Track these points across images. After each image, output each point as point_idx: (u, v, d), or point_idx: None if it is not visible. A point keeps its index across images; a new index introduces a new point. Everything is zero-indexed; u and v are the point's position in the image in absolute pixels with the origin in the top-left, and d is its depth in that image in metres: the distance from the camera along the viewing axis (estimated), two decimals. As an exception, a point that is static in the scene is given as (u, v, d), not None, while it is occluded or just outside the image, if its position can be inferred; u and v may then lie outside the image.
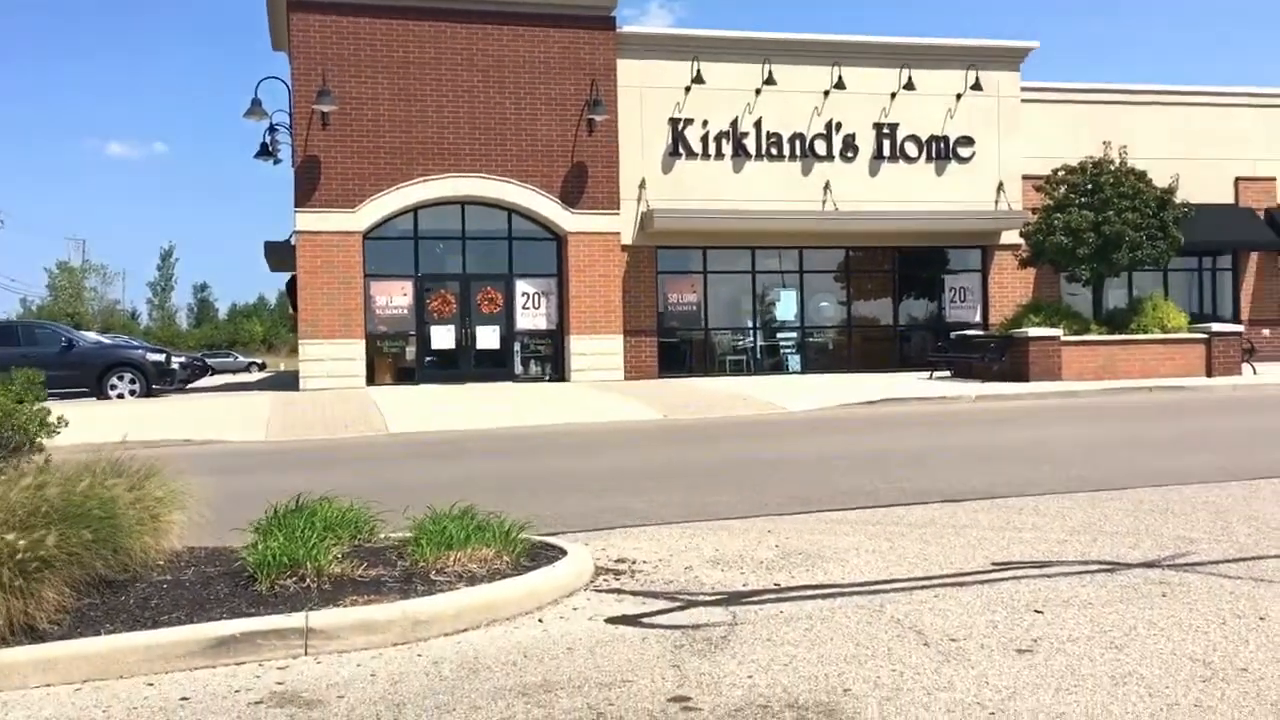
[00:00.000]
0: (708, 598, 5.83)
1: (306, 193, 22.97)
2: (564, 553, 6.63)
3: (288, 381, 26.06)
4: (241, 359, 74.46)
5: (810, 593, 5.88)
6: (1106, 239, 21.72)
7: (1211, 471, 9.89)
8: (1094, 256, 21.97)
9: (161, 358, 23.58)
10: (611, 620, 5.44)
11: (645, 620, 5.44)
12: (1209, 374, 22.06)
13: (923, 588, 5.90)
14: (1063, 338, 21.60)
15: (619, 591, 6.06)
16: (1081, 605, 5.42)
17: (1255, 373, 22.68)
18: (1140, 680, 4.29)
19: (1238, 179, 28.04)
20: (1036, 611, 5.32)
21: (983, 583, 5.98)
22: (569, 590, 6.02)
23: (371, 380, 23.56)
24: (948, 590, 5.82)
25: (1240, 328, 24.22)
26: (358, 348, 23.17)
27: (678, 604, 5.73)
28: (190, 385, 31.40)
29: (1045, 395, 19.61)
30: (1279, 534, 7.03)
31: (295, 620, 5.10)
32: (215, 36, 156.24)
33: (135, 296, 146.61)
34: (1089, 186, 22.59)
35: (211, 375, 62.14)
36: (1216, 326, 23.06)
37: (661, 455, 12.67)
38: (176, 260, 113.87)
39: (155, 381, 22.72)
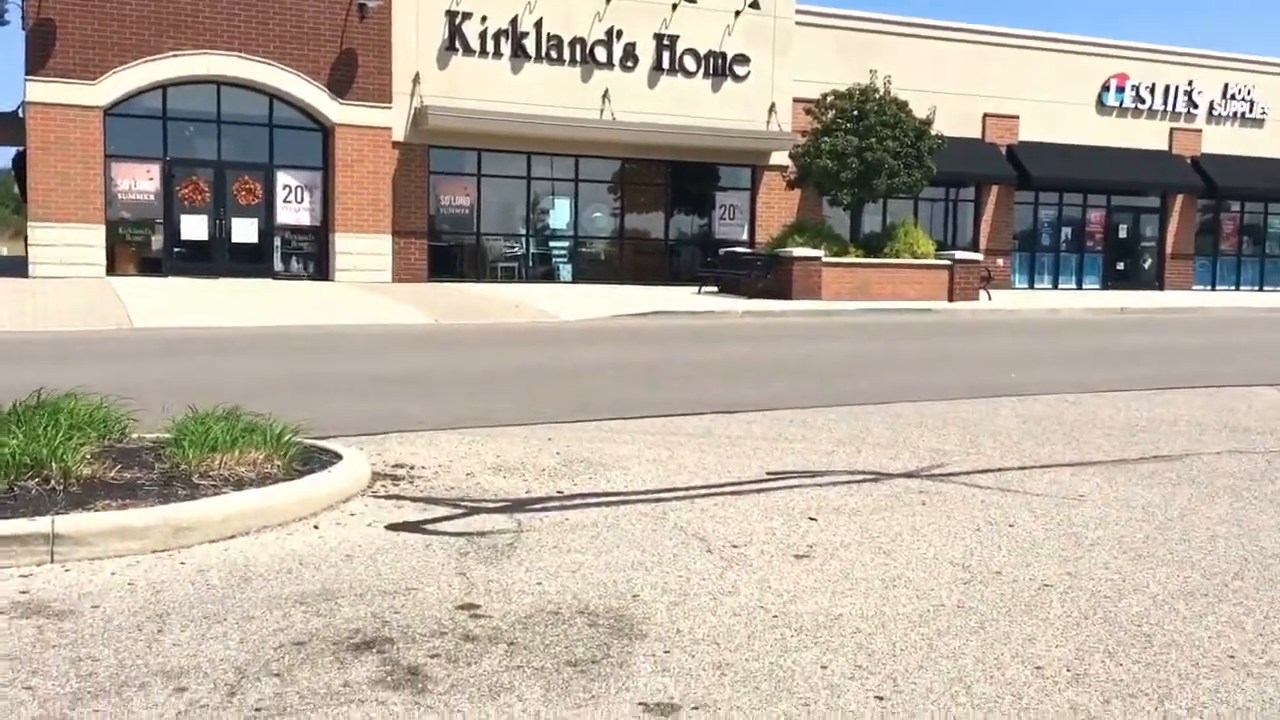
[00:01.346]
0: (491, 505, 5.74)
1: (39, 60, 20.71)
2: (339, 457, 6.35)
3: (15, 266, 23.75)
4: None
5: (595, 500, 5.88)
6: (868, 165, 22.70)
7: (958, 389, 10.60)
8: (856, 181, 22.94)
9: None
10: (392, 527, 5.26)
11: (428, 527, 5.29)
12: (951, 299, 23.65)
13: (703, 496, 6.02)
14: (824, 259, 22.56)
15: (399, 498, 5.87)
16: (851, 513, 5.68)
17: (990, 299, 24.50)
18: (908, 583, 4.54)
19: (985, 115, 29.85)
20: (811, 519, 5.53)
21: (760, 491, 6.17)
22: (345, 496, 5.77)
23: (113, 270, 21.79)
24: (727, 499, 5.96)
25: (980, 256, 26.05)
26: (97, 234, 21.33)
27: (461, 511, 5.61)
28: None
29: (807, 313, 20.47)
30: (1019, 448, 7.61)
31: (39, 524, 4.64)
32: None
33: None
34: (855, 113, 23.46)
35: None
36: (959, 254, 24.71)
37: (433, 360, 12.38)
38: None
39: None
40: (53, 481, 5.12)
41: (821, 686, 3.48)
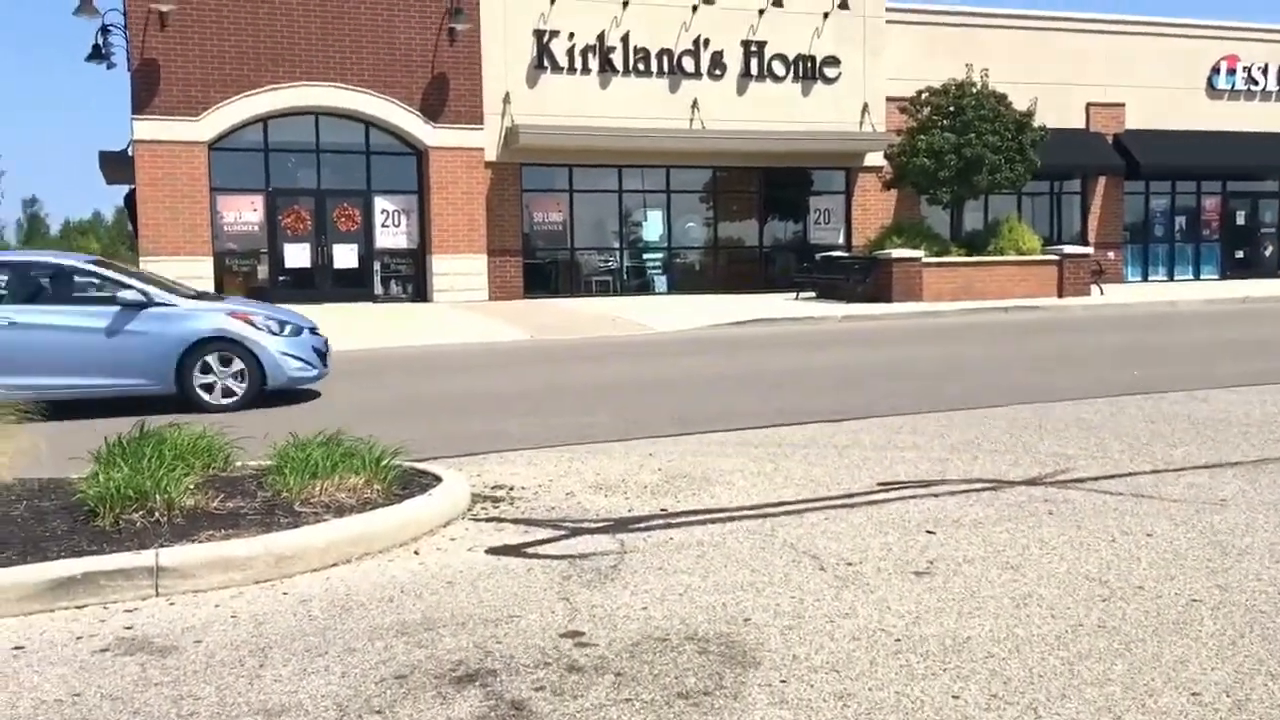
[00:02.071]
0: (593, 525, 5.58)
1: (145, 99, 21.39)
2: (439, 479, 6.27)
3: (129, 302, 24.59)
4: (78, 279, 70.34)
5: (699, 518, 5.68)
6: (968, 161, 22.07)
7: (1076, 389, 10.11)
8: (955, 179, 22.32)
9: None
10: (493, 551, 5.13)
11: (529, 550, 5.15)
12: (1060, 295, 22.83)
13: (813, 510, 5.77)
14: (924, 259, 21.99)
15: (499, 520, 5.75)
16: (972, 525, 5.37)
17: (1103, 293, 23.59)
18: (1041, 601, 4.22)
19: (1089, 104, 28.83)
20: (929, 532, 5.24)
21: (872, 503, 5.89)
22: (446, 519, 5.68)
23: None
24: (838, 512, 5.70)
25: (1090, 250, 25.11)
26: (205, 265, 21.90)
27: (562, 532, 5.46)
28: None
29: (909, 315, 19.94)
30: (1150, 450, 7.17)
31: (144, 558, 4.63)
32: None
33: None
34: (951, 109, 22.85)
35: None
36: (1068, 249, 23.85)
37: (531, 376, 12.32)
38: (2, 173, 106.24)
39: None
40: (157, 513, 5.12)
41: (955, 719, 3.22)
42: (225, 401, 10.17)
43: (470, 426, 8.88)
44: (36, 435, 6.04)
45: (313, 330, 10.98)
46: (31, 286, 10.50)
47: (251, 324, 10.47)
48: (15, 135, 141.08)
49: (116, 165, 25.85)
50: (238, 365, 10.25)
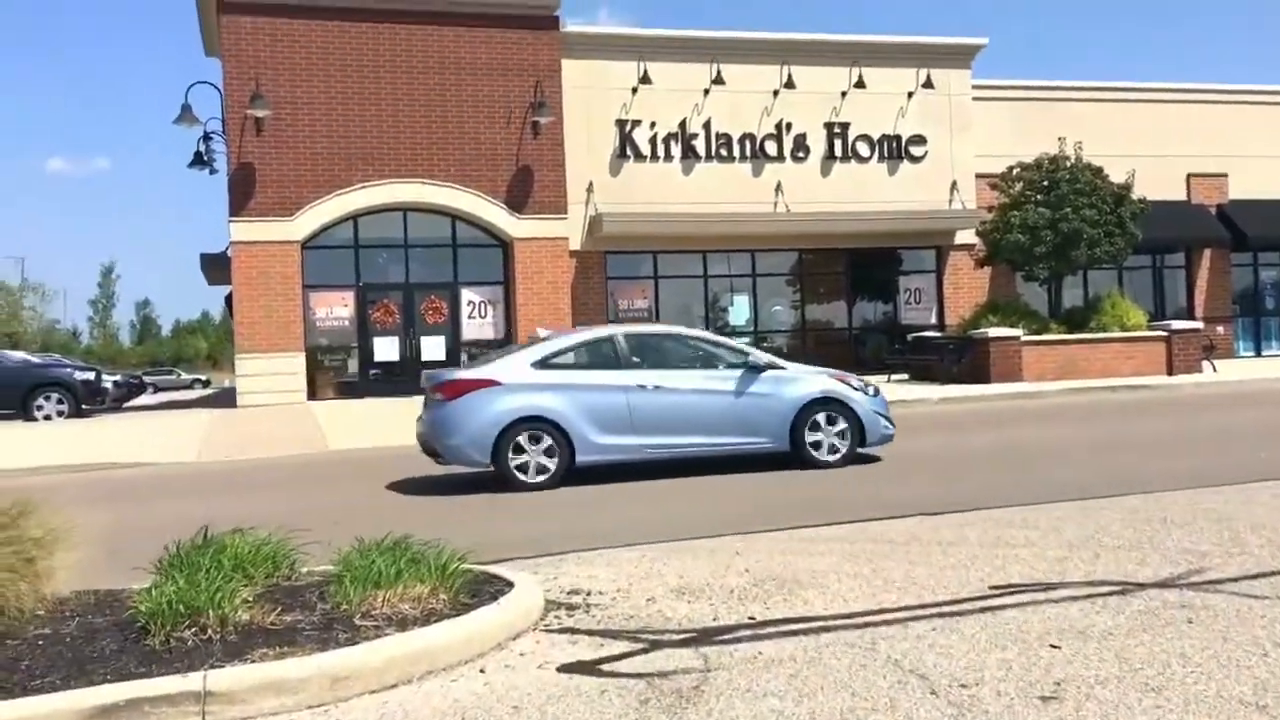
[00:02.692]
0: (675, 636, 5.11)
1: (241, 201, 21.97)
2: (510, 585, 5.89)
3: (229, 398, 25.05)
4: (185, 376, 72.64)
5: (791, 627, 5.18)
6: (1064, 236, 21.37)
7: (1198, 474, 9.36)
8: (1052, 254, 21.61)
9: (91, 376, 22.43)
10: (565, 669, 4.70)
11: (604, 667, 4.71)
12: (1170, 372, 21.77)
13: (918, 618, 5.22)
14: (1023, 337, 21.21)
15: (573, 631, 5.32)
16: (1101, 637, 4.77)
17: (1215, 370, 22.45)
18: (1192, 733, 3.64)
19: (1189, 175, 27.93)
20: (1053, 646, 4.66)
21: (984, 610, 5.32)
22: (516, 631, 5.27)
23: (313, 395, 22.58)
24: (946, 621, 5.14)
25: (1200, 325, 24.02)
26: (297, 361, 22.19)
27: (641, 645, 5.00)
28: (127, 404, 30.22)
29: (1009, 396, 19.15)
30: (1294, 544, 6.45)
31: (191, 682, 4.31)
32: (159, 49, 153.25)
33: (76, 315, 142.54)
34: (1045, 183, 22.25)
35: (154, 393, 60.60)
36: (1176, 324, 22.82)
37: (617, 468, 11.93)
38: (118, 277, 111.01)
39: (85, 401, 21.59)
40: (210, 630, 4.81)
41: None
42: (831, 458, 10.90)
43: (547, 526, 8.50)
44: (109, 538, 5.83)
45: (877, 392, 11.52)
46: (659, 354, 11.23)
47: (849, 385, 11.24)
48: (128, 241, 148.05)
49: (216, 266, 26.56)
50: (841, 424, 11.01)
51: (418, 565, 5.63)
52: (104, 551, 6.36)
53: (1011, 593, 5.72)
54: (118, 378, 30.33)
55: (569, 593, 6.14)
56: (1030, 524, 7.52)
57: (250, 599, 5.20)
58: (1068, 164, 22.56)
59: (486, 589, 5.78)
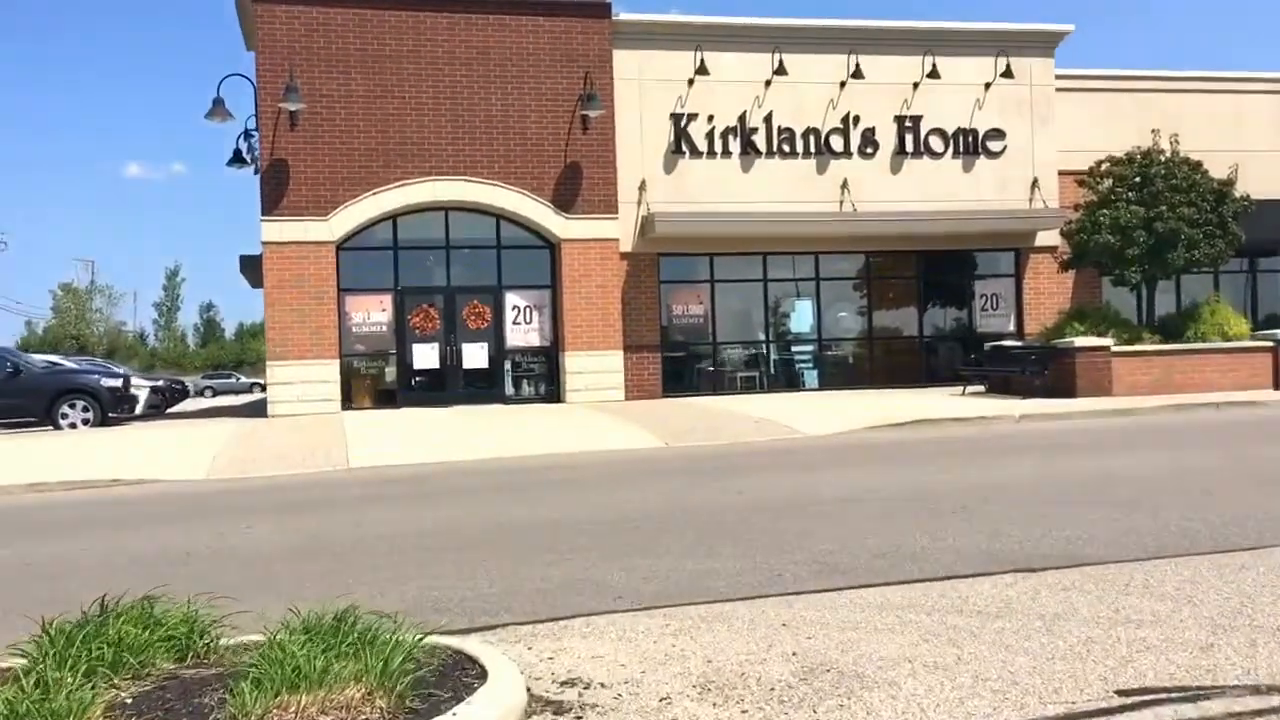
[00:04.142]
0: (686, 773, 3.69)
1: (274, 200, 20.99)
2: (484, 674, 4.54)
3: (260, 407, 24.12)
4: (244, 380, 72.78)
5: (848, 763, 3.72)
6: (1160, 237, 19.51)
7: (1355, 520, 7.68)
8: (1145, 257, 19.76)
9: (118, 383, 21.57)
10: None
11: (578, 831, 3.30)
12: (1277, 386, 19.81)
13: (1026, 752, 3.73)
14: (1113, 348, 19.38)
15: (554, 755, 3.93)
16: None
17: (1328, 384, 20.39)
18: None
19: (1293, 172, 25.75)
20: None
21: (1117, 737, 3.82)
22: (474, 755, 3.90)
23: (349, 403, 21.52)
24: (1067, 758, 3.65)
25: (1311, 334, 21.94)
26: (331, 369, 21.12)
27: (637, 788, 3.59)
28: (170, 410, 29.56)
29: (1098, 414, 17.37)
30: None
31: None
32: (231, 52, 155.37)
33: (145, 318, 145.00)
34: (1138, 179, 20.41)
35: (213, 396, 60.59)
36: (1285, 333, 20.82)
37: (653, 497, 10.53)
38: (183, 280, 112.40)
39: (111, 409, 20.73)
40: (38, 759, 3.51)
41: None
42: None
43: (563, 572, 7.11)
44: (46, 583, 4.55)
45: None
46: None
47: None
48: (194, 243, 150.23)
49: (256, 268, 25.68)
50: None
51: (354, 654, 4.29)
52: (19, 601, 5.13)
53: (1148, 703, 4.21)
54: (159, 383, 29.71)
55: (563, 683, 4.76)
56: (1153, 589, 5.97)
57: (128, 700, 3.90)
58: (1162, 158, 20.69)
59: (453, 676, 4.46)
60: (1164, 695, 4.29)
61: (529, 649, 5.29)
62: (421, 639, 4.75)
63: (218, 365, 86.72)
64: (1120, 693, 4.35)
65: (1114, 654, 4.82)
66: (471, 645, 5.03)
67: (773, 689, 4.53)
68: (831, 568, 6.89)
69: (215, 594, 5.43)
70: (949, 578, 6.45)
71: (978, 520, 8.33)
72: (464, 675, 4.59)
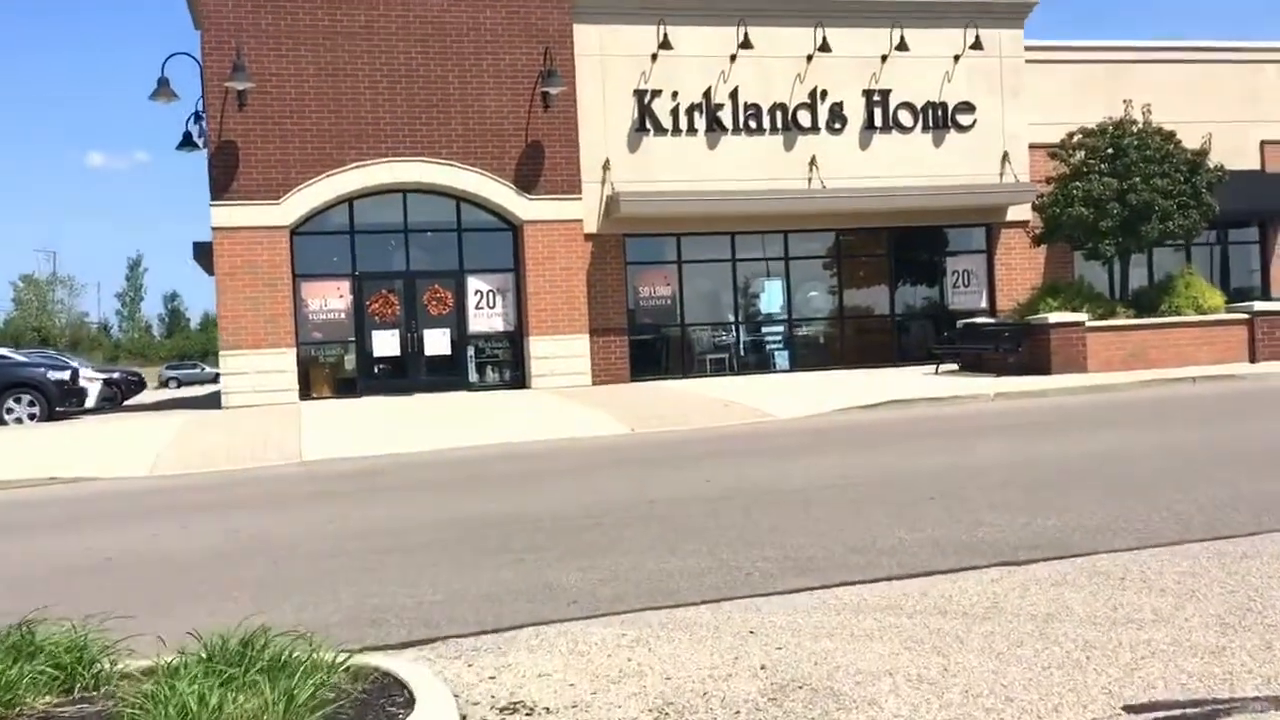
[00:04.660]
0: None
1: (223, 184, 20.21)
2: (410, 700, 4.02)
3: (215, 400, 23.38)
4: (209, 370, 71.49)
5: (823, 807, 3.21)
6: (1133, 209, 19.14)
7: (1355, 500, 7.26)
8: (1119, 229, 19.39)
9: (65, 375, 20.79)
10: None
11: None
12: (1252, 359, 19.51)
13: (1029, 791, 3.24)
14: (1087, 323, 19.01)
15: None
16: None
17: (1302, 356, 20.13)
18: None
19: (1263, 142, 25.47)
20: None
21: (1133, 770, 3.32)
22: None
23: (307, 393, 20.83)
24: (1078, 799, 3.16)
25: (1284, 306, 21.69)
26: (288, 358, 20.42)
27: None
28: (127, 402, 28.75)
29: (1074, 390, 17.01)
30: None
31: None
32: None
33: (109, 309, 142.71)
34: (1110, 151, 20.01)
35: (178, 388, 59.47)
36: (1260, 305, 20.51)
37: (618, 488, 10.00)
38: (145, 270, 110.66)
39: (58, 403, 19.96)
40: None
41: None
42: None
43: (514, 575, 6.57)
44: None
45: None
46: None
47: None
48: (158, 233, 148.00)
49: (210, 256, 24.89)
50: None
51: (262, 684, 3.73)
52: None
53: (1157, 716, 3.73)
54: (114, 375, 28.87)
55: (503, 709, 4.23)
56: (1152, 582, 5.51)
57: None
58: (1135, 129, 20.31)
59: (371, 713, 3.93)
60: (1178, 712, 3.81)
61: (469, 666, 4.76)
62: (344, 662, 4.23)
63: (183, 356, 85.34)
64: (1129, 709, 3.87)
65: (1116, 660, 4.34)
66: (402, 666, 4.50)
67: (738, 712, 4.02)
68: (803, 565, 6.39)
69: (128, 609, 4.88)
70: (930, 573, 5.97)
71: (957, 508, 7.86)
72: (390, 703, 4.07)
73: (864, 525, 7.41)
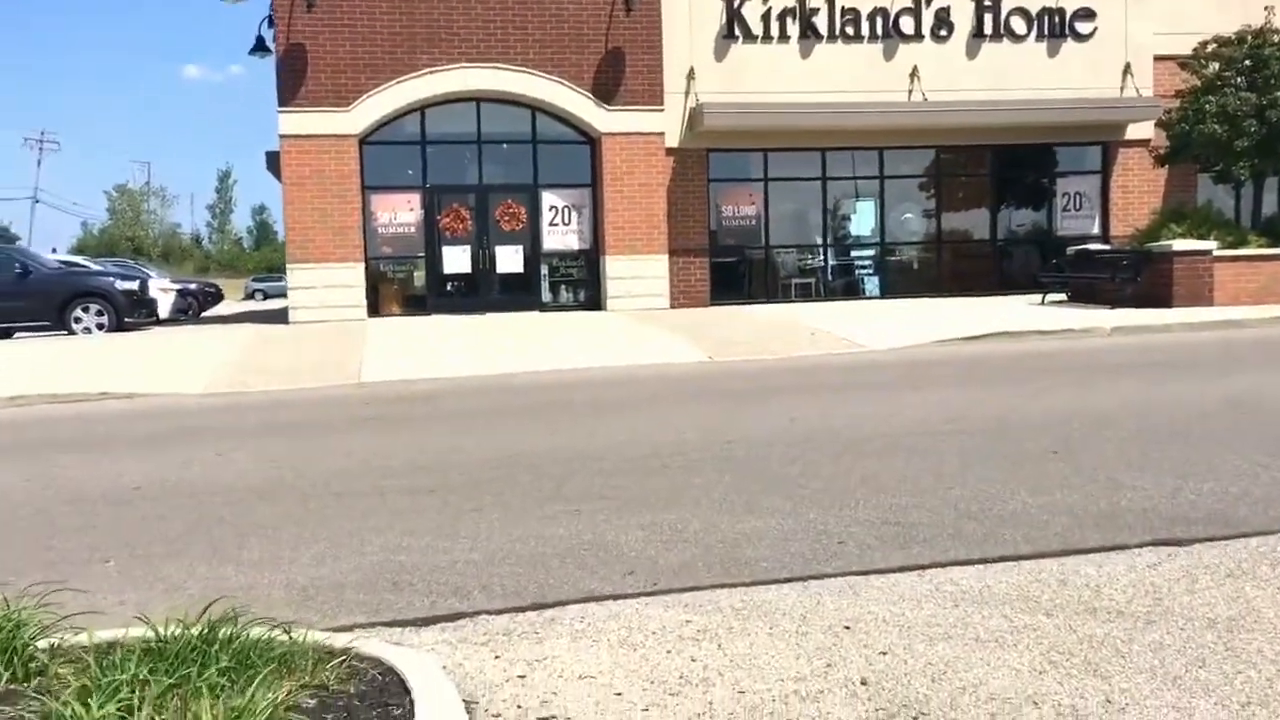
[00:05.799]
0: None
1: (291, 89, 19.40)
2: (410, 715, 3.16)
3: (283, 315, 22.97)
4: (295, 283, 72.01)
5: None
6: (1273, 127, 17.28)
7: None
8: (1256, 149, 17.56)
9: (134, 285, 20.39)
10: None
11: None
12: (1401, 295, 17.65)
13: None
14: (1215, 252, 17.33)
15: None
16: None
17: None
18: None
19: None
20: None
21: None
22: None
23: (376, 311, 20.19)
24: None
25: None
26: (356, 273, 19.74)
27: None
28: (204, 314, 28.65)
29: (1200, 326, 15.50)
30: None
31: None
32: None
33: (200, 221, 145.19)
34: (1248, 63, 18.08)
35: (263, 300, 59.88)
36: None
37: (691, 424, 9.01)
38: (235, 182, 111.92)
39: (127, 314, 19.57)
40: None
41: None
42: None
43: (564, 529, 5.64)
44: None
45: None
46: None
47: None
48: (249, 146, 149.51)
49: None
50: None
51: (220, 687, 2.86)
52: None
53: None
54: (190, 286, 28.70)
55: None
56: (1359, 577, 4.36)
57: None
58: (1277, 38, 18.29)
59: (371, 707, 3.09)
60: None
61: (496, 658, 3.85)
62: (332, 659, 3.36)
63: (270, 268, 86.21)
64: (1375, 780, 2.78)
65: (1340, 696, 3.24)
66: (410, 660, 3.60)
67: (832, 753, 3.03)
68: (907, 533, 5.34)
69: (136, 552, 4.07)
70: (1066, 553, 4.89)
71: (1086, 464, 6.70)
72: (389, 710, 3.19)
73: (976, 483, 6.31)
